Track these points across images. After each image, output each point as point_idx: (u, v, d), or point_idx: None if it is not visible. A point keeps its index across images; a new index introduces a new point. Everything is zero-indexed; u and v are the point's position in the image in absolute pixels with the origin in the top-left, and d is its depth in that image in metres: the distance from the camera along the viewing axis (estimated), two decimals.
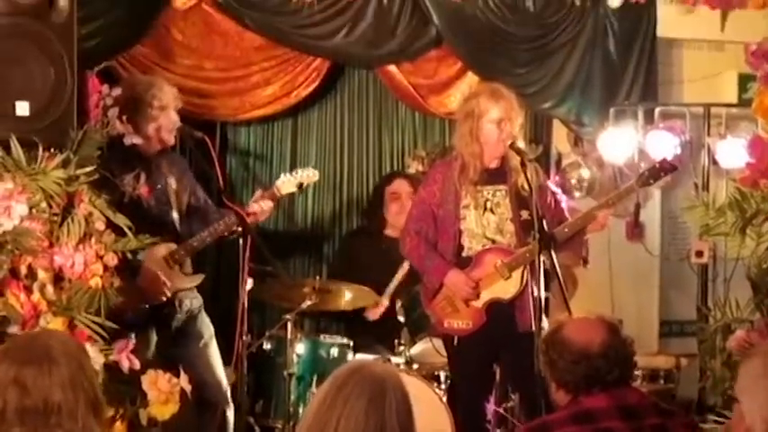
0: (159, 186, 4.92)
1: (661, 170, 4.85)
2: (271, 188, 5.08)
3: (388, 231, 6.03)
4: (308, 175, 5.16)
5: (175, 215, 4.97)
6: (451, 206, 4.87)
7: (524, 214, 4.78)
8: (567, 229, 4.81)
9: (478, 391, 4.85)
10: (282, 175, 5.15)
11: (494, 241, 4.85)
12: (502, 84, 5.09)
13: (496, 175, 4.89)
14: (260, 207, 4.98)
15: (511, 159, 4.86)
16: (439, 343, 5.16)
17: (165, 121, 4.87)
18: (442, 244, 4.90)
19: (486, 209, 4.86)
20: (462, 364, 4.95)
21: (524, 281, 4.78)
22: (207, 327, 5.07)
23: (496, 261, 4.81)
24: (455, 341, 4.92)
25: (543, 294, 4.68)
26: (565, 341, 3.18)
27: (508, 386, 5.21)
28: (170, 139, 4.93)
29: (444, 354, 5.10)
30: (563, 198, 6.01)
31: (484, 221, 4.86)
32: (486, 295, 4.85)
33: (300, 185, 5.12)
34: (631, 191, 4.97)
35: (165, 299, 4.82)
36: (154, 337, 4.87)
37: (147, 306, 4.76)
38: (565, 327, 3.24)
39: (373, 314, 5.88)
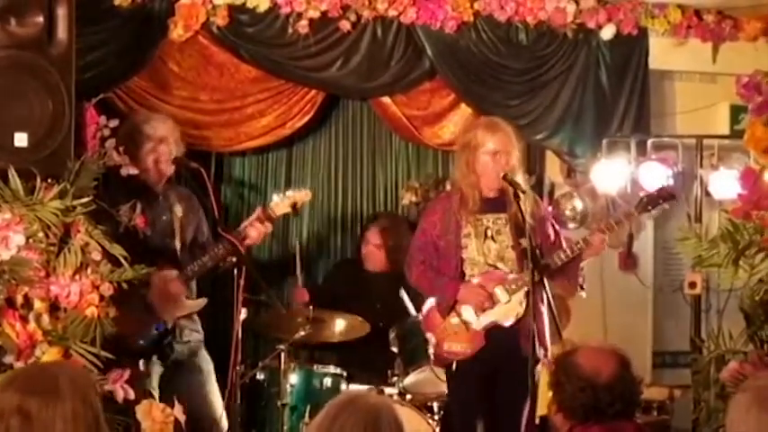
0: (165, 217, 4.97)
1: (660, 197, 4.90)
2: (266, 210, 5.07)
3: (367, 266, 6.09)
4: (301, 194, 5.16)
5: (178, 244, 4.99)
6: (452, 236, 4.93)
7: (524, 242, 4.81)
8: (558, 260, 4.86)
9: (474, 418, 4.86)
10: (275, 195, 5.15)
11: (495, 267, 4.90)
12: (494, 115, 5.14)
13: (496, 204, 4.95)
14: (256, 231, 4.97)
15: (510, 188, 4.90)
16: (440, 371, 5.16)
17: (165, 152, 4.91)
18: (445, 273, 4.95)
19: (486, 237, 4.91)
20: (459, 390, 4.97)
21: (525, 308, 4.81)
22: (207, 362, 5.10)
23: (493, 285, 4.85)
24: (454, 366, 4.93)
25: (546, 322, 4.74)
26: (575, 366, 3.20)
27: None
28: (168, 170, 4.97)
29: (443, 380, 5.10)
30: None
31: (485, 249, 4.91)
32: (485, 319, 4.88)
33: (294, 205, 5.12)
34: (630, 216, 4.98)
35: (179, 314, 4.87)
36: (158, 368, 4.88)
37: (156, 331, 4.77)
38: (578, 352, 3.27)
39: None
